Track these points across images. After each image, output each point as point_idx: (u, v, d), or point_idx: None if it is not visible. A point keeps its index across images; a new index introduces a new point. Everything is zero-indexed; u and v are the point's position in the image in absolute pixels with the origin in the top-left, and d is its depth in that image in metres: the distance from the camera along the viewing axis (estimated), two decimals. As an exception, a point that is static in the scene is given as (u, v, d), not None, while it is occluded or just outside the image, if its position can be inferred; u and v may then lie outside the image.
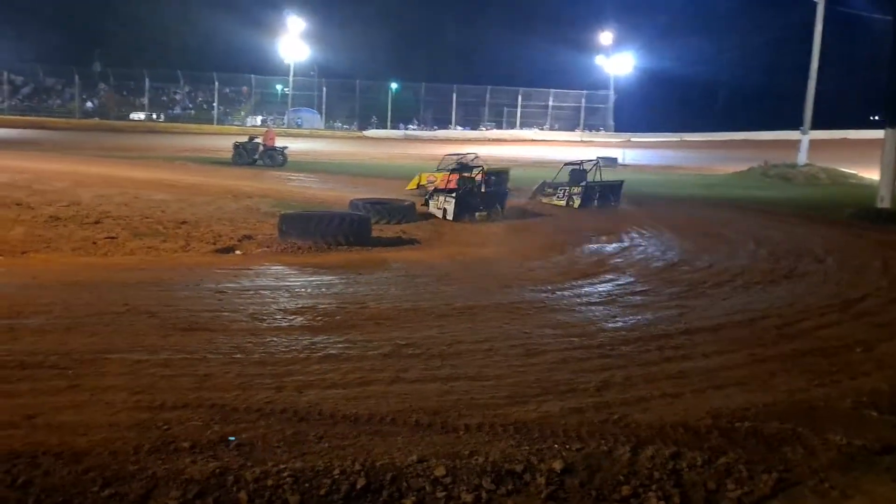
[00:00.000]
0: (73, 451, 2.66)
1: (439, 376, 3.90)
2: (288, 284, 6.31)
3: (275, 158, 25.15)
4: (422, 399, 3.53)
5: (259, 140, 25.93)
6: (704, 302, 6.23)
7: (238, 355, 3.97)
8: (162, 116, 52.88)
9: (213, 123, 51.27)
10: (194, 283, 6.05)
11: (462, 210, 12.29)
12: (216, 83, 52.99)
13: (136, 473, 2.54)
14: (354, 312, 5.21)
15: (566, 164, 16.16)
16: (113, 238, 8.85)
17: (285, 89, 55.49)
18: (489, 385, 3.83)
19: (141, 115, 52.26)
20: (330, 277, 6.81)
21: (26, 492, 2.39)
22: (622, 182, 15.75)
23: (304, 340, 4.35)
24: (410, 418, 3.26)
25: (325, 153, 33.80)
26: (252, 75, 55.23)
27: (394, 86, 57.25)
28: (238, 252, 8.35)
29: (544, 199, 14.89)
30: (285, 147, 26.12)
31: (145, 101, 53.16)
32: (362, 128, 53.82)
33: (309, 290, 6.06)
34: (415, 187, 15.88)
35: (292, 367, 3.85)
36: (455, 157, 15.88)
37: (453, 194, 12.62)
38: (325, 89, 54.42)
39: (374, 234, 9.70)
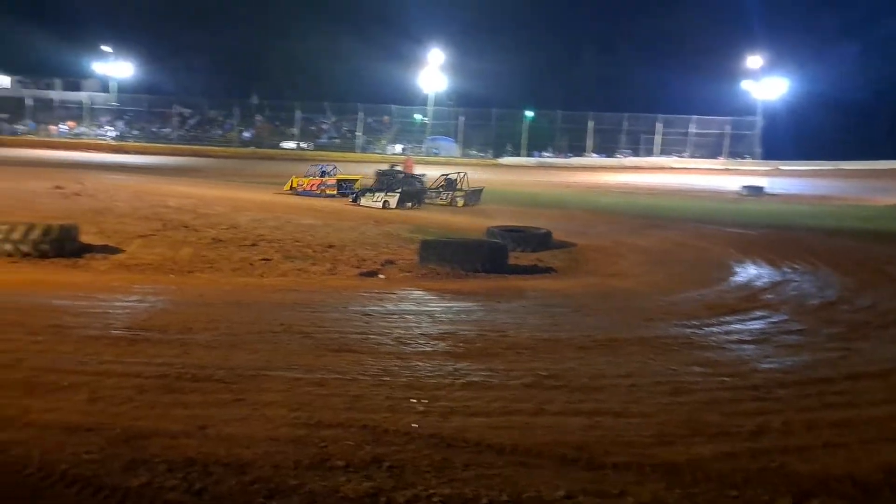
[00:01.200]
0: (239, 462, 2.85)
1: (582, 410, 3.83)
2: (429, 309, 6.45)
3: (413, 186, 25.88)
4: (566, 432, 3.47)
5: (399, 168, 26.86)
6: (869, 345, 5.72)
7: (386, 378, 4.10)
8: (310, 145, 56.07)
9: (356, 151, 53.69)
10: (342, 305, 6.33)
11: (401, 203, 18.52)
12: (360, 113, 55.57)
13: (296, 488, 2.67)
14: (494, 340, 5.23)
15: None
16: (267, 260, 9.45)
17: (424, 119, 57.23)
18: (635, 422, 3.71)
19: (291, 144, 55.68)
20: (469, 304, 6.90)
21: (201, 498, 2.57)
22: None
23: (447, 366, 4.42)
24: (555, 452, 3.21)
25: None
26: (393, 105, 57.43)
27: (529, 114, 57.48)
28: (381, 276, 8.66)
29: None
30: (423, 174, 26.86)
31: (296, 130, 56.60)
32: (497, 155, 54.32)
33: (449, 316, 6.17)
34: (288, 189, 22.14)
35: (437, 392, 3.92)
36: (384, 169, 22.47)
37: (397, 191, 18.88)
38: (461, 118, 55.56)
39: (511, 261, 9.74)
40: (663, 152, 54.66)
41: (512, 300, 7.25)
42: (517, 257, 10.45)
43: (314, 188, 21.72)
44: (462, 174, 22.46)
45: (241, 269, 8.78)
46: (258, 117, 58.51)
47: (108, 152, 48.80)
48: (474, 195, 21.35)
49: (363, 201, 18.88)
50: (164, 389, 3.59)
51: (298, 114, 56.00)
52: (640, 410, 3.89)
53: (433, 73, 54.60)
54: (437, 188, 21.59)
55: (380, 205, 18.27)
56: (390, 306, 6.48)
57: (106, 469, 2.71)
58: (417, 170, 27.16)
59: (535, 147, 56.77)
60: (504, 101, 56.62)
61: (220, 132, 57.71)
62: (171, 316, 5.24)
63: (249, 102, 58.30)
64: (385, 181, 20.29)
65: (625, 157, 54.46)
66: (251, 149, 54.14)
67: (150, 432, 3.06)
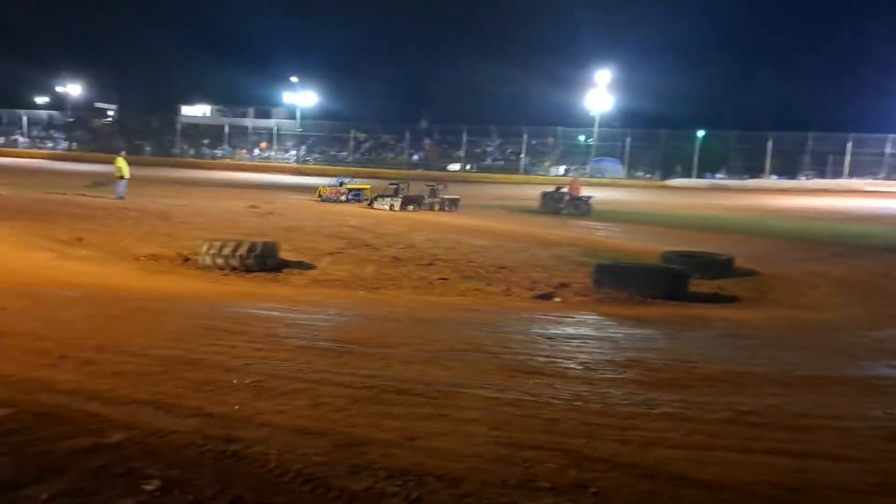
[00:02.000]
0: (450, 475, 2.98)
1: (791, 451, 3.60)
2: (611, 335, 6.37)
3: (579, 208, 25.64)
4: (775, 473, 3.28)
5: (565, 190, 26.67)
6: None
7: (578, 403, 4.10)
8: (475, 167, 57.35)
9: (519, 173, 54.17)
10: (524, 327, 6.41)
11: (403, 207, 22.79)
12: (525, 136, 56.06)
13: (507, 505, 2.75)
14: (684, 371, 5.07)
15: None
16: (445, 279, 9.78)
17: (589, 140, 56.61)
18: (852, 468, 3.43)
19: (457, 166, 57.31)
20: (651, 331, 6.72)
21: (420, 508, 2.73)
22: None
23: (638, 395, 4.34)
24: (765, 493, 3.06)
25: (627, 203, 33.55)
26: (558, 127, 57.41)
27: (700, 133, 55.05)
28: (557, 299, 8.66)
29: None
30: (590, 196, 26.49)
31: (462, 153, 58.18)
32: (665, 177, 52.46)
33: (633, 343, 6.05)
34: (318, 197, 26.99)
35: (632, 421, 3.87)
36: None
37: (399, 197, 23.55)
38: (628, 139, 54.34)
39: (690, 288, 9.37)
40: (854, 174, 50.07)
41: (697, 329, 6.97)
42: (697, 284, 10.01)
43: (334, 195, 26.84)
44: (443, 185, 27.14)
45: (421, 287, 9.15)
46: (427, 140, 60.81)
47: (291, 174, 52.89)
48: (453, 203, 25.25)
49: (376, 205, 23.61)
50: (373, 400, 3.83)
51: (464, 137, 57.48)
52: (856, 456, 3.60)
53: (600, 93, 53.91)
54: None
55: (386, 207, 23.04)
56: (570, 330, 6.48)
57: (333, 471, 2.95)
58: (583, 191, 26.83)
59: (706, 168, 54.20)
60: (674, 120, 54.77)
61: (391, 155, 60.60)
62: (369, 330, 5.58)
63: (419, 127, 60.84)
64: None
65: (808, 178, 50.49)
66: (419, 171, 56.22)
67: (367, 440, 3.28)
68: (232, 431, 3.26)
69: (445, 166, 57.66)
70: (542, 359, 5.09)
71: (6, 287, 7.11)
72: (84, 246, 11.38)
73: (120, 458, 3.00)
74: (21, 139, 65.57)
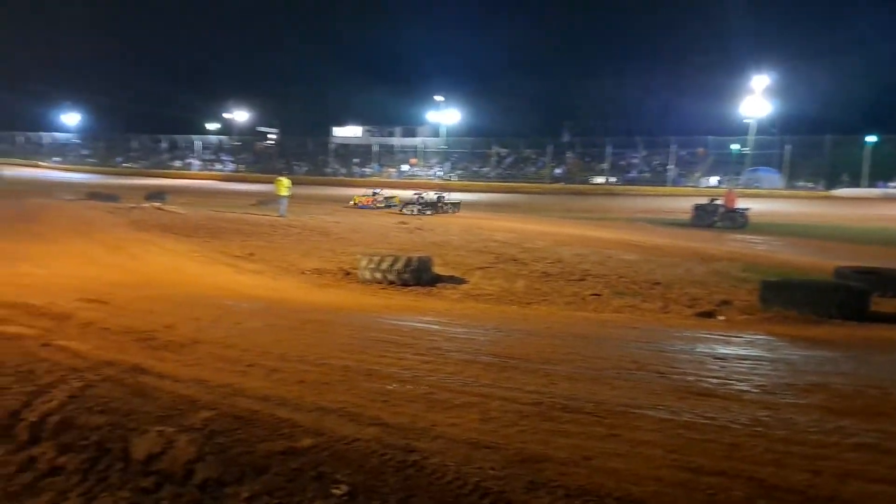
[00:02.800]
0: (630, 498, 2.90)
1: None
2: (785, 357, 5.97)
3: (735, 220, 24.38)
4: None
5: (720, 201, 25.45)
6: None
7: (759, 428, 3.87)
8: (619, 179, 56.03)
9: (667, 185, 52.26)
10: (688, 346, 6.16)
11: (421, 212, 28.06)
12: (672, 146, 54.05)
13: (695, 533, 2.65)
14: (878, 398, 4.63)
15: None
16: (597, 295, 9.60)
17: (742, 149, 53.61)
18: None
19: (601, 179, 56.26)
20: (831, 353, 6.22)
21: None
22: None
23: (827, 423, 4.03)
24: None
25: (788, 215, 31.45)
26: (708, 136, 54.86)
27: (871, 139, 50.46)
28: (720, 317, 8.25)
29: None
30: (747, 208, 25.12)
31: (605, 165, 57.06)
32: (830, 187, 48.56)
33: (812, 367, 5.63)
34: (353, 204, 32.51)
35: (823, 450, 3.59)
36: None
37: (420, 205, 29.33)
38: (787, 147, 50.87)
39: (871, 308, 8.59)
40: None
41: (886, 353, 6.37)
42: (876, 303, 9.16)
43: (371, 203, 32.22)
44: (444, 193, 33.20)
45: (573, 303, 9.04)
46: (569, 154, 60.22)
47: (435, 191, 54.17)
48: (455, 206, 30.63)
49: (405, 211, 28.85)
50: (542, 417, 3.82)
51: (609, 149, 56.34)
52: None
53: (755, 99, 50.95)
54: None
55: (407, 212, 28.37)
56: (740, 351, 6.13)
57: (510, 486, 2.97)
58: (739, 203, 25.42)
59: (878, 177, 49.62)
60: (840, 125, 50.60)
61: (533, 169, 60.55)
62: (529, 346, 5.58)
63: (561, 140, 60.39)
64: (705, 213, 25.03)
65: None
66: (561, 184, 55.80)
67: (541, 457, 3.28)
68: (410, 442, 3.37)
69: (588, 179, 56.79)
70: (714, 380, 4.86)
71: (197, 298, 7.83)
72: (255, 261, 12.27)
73: (311, 462, 3.19)
74: (195, 162, 72.01)
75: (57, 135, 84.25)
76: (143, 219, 20.20)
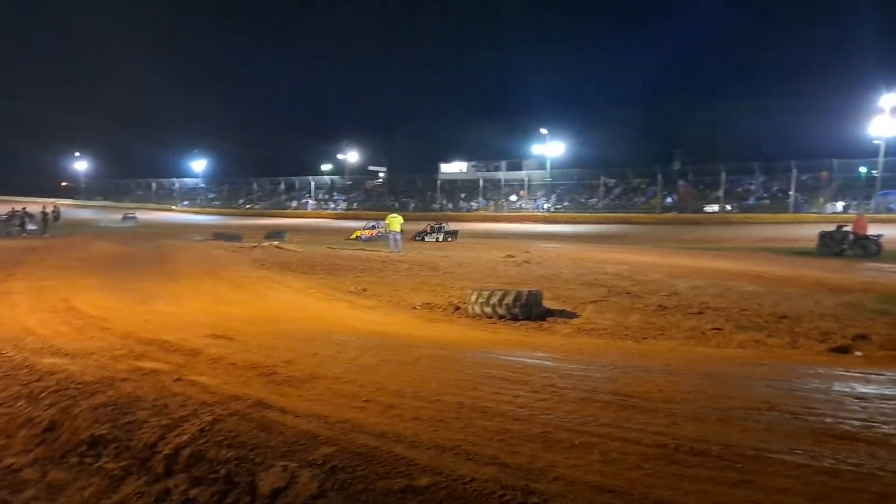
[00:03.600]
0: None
1: None
2: (940, 398, 5.42)
3: (867, 248, 22.76)
4: None
5: (848, 228, 23.88)
6: None
7: (915, 478, 3.52)
8: (735, 207, 53.68)
9: (788, 212, 49.53)
10: (824, 384, 5.72)
11: (420, 238, 33.42)
12: (794, 171, 51.28)
13: None
14: None
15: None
16: (719, 330, 9.14)
17: (872, 171, 50.10)
18: None
19: (715, 207, 54.09)
20: None
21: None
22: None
23: None
24: None
25: (930, 241, 28.95)
26: (833, 160, 51.70)
27: None
28: (857, 353, 7.64)
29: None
30: (880, 235, 23.39)
31: (720, 193, 54.85)
32: (974, 209, 44.46)
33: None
34: (354, 238, 34.57)
35: None
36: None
37: (429, 233, 34.38)
38: (922, 168, 47.18)
39: None
40: None
41: None
42: None
43: (372, 235, 34.29)
44: (442, 223, 36.71)
45: (693, 338, 8.65)
46: (681, 182, 58.38)
47: (542, 223, 53.93)
48: (451, 234, 34.53)
49: (426, 238, 33.55)
50: (667, 460, 3.63)
51: (723, 175, 54.18)
52: None
53: (885, 119, 47.70)
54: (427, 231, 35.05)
55: (422, 239, 33.49)
56: (883, 389, 5.63)
57: (639, 534, 2.84)
58: (870, 229, 23.67)
59: None
60: None
61: (642, 199, 59.10)
62: (648, 384, 5.36)
63: (672, 168, 58.70)
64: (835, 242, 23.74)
65: None
66: (672, 214, 54.11)
67: (669, 503, 3.12)
68: (529, 483, 3.29)
69: (702, 208, 54.74)
70: (855, 422, 4.47)
71: (315, 334, 8.08)
72: (368, 296, 12.57)
73: (430, 501, 3.18)
74: (310, 202, 75.24)
75: (186, 180, 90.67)
76: (264, 257, 21.24)
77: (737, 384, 5.60)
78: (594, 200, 60.91)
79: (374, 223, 37.24)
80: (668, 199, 57.60)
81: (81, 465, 4.09)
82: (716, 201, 55.04)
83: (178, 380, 5.37)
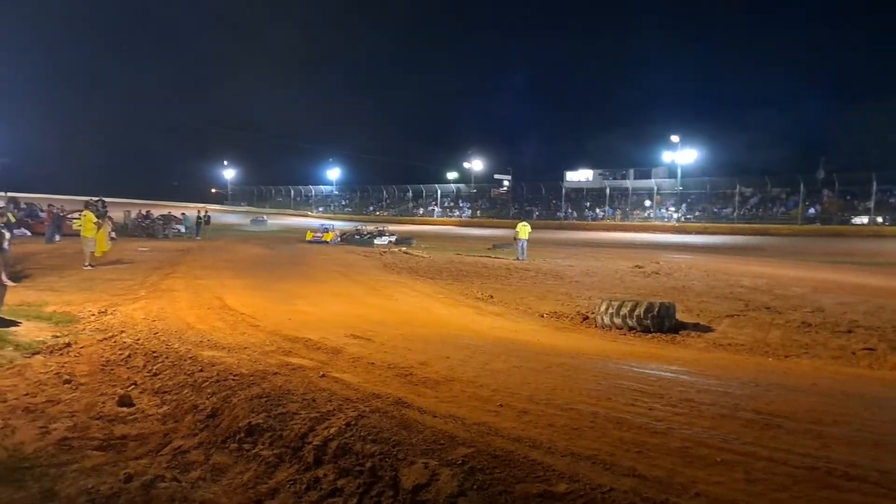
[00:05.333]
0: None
1: None
2: None
3: None
4: None
5: None
6: None
7: None
8: (889, 219, 49.40)
9: (952, 223, 45.04)
10: None
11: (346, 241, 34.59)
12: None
13: None
14: None
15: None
16: (870, 350, 8.53)
17: None
18: None
19: (864, 219, 50.04)
20: None
21: None
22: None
23: None
24: None
25: None
26: None
27: None
28: None
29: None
30: None
31: (870, 204, 50.67)
32: None
33: None
34: (309, 238, 35.54)
35: None
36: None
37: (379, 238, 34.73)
38: None
39: None
40: None
41: None
42: None
43: (328, 239, 34.88)
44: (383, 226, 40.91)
45: (842, 358, 8.11)
46: (825, 192, 54.45)
47: (671, 233, 52.07)
48: (405, 241, 34.43)
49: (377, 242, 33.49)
50: (819, 484, 3.47)
51: (874, 185, 50.06)
52: None
53: None
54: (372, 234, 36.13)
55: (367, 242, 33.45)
56: None
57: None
58: None
59: None
60: None
61: (782, 209, 55.68)
62: (793, 403, 5.12)
63: (815, 177, 54.84)
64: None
65: None
66: (816, 225, 50.61)
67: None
68: (669, 497, 3.26)
69: (850, 219, 50.78)
70: None
71: (445, 338, 8.30)
72: (495, 303, 12.71)
73: (569, 507, 3.23)
74: (436, 209, 76.73)
75: (321, 187, 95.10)
76: (394, 262, 21.93)
77: (893, 408, 5.23)
78: (728, 210, 57.98)
79: (327, 225, 39.13)
80: (811, 210, 53.87)
81: (240, 451, 4.45)
82: (865, 212, 50.86)
83: (323, 376, 5.71)
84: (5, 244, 10.37)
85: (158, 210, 43.67)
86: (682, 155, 60.32)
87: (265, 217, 66.63)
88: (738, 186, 58.09)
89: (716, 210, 59.04)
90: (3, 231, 10.47)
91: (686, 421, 4.50)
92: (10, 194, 41.10)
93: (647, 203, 62.51)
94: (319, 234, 35.82)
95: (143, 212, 39.57)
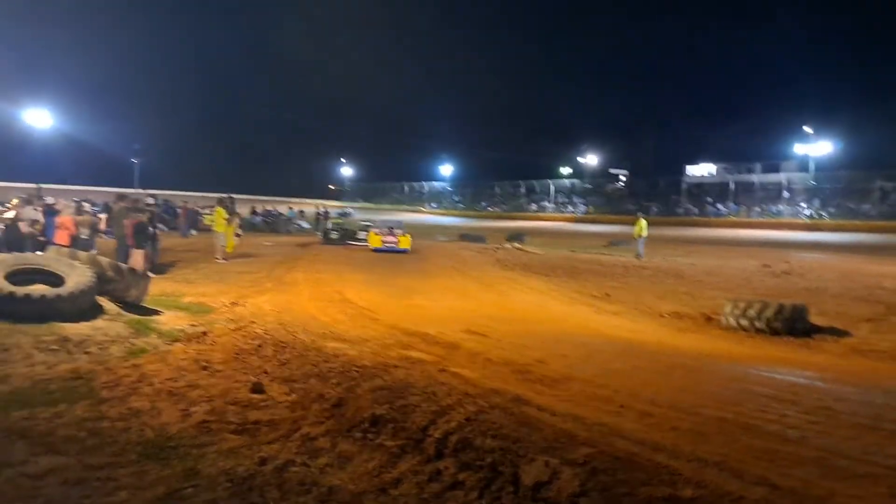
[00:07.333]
0: None
1: None
2: None
3: None
4: None
5: None
6: None
7: None
8: None
9: None
10: None
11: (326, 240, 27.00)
12: None
13: None
14: None
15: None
16: None
17: None
18: None
19: None
20: None
21: None
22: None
23: None
24: None
25: None
26: None
27: None
28: None
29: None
30: None
31: None
32: None
33: None
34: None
35: None
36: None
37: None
38: None
39: None
40: None
41: None
42: None
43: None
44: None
45: None
46: (984, 185, 49.46)
47: (802, 230, 48.97)
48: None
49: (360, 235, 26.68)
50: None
51: None
52: None
53: None
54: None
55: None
56: None
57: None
58: None
59: None
60: None
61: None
62: (947, 417, 4.72)
63: None
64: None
65: None
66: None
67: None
68: (805, 509, 3.11)
69: None
70: None
71: (561, 336, 8.25)
72: (612, 302, 12.46)
73: (696, 513, 3.14)
74: (548, 205, 76.00)
75: (434, 183, 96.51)
76: (507, 258, 21.96)
77: None
78: (867, 206, 53.71)
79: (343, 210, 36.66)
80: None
81: (364, 440, 4.62)
82: None
83: (442, 370, 5.83)
84: (156, 241, 11.18)
85: (278, 207, 45.97)
86: (816, 147, 56.60)
87: (350, 210, 68.88)
88: (878, 181, 53.75)
89: (852, 206, 54.87)
90: (154, 229, 11.31)
91: (822, 430, 4.27)
92: (149, 191, 44.25)
93: (780, 197, 58.98)
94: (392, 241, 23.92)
95: (267, 209, 41.76)
